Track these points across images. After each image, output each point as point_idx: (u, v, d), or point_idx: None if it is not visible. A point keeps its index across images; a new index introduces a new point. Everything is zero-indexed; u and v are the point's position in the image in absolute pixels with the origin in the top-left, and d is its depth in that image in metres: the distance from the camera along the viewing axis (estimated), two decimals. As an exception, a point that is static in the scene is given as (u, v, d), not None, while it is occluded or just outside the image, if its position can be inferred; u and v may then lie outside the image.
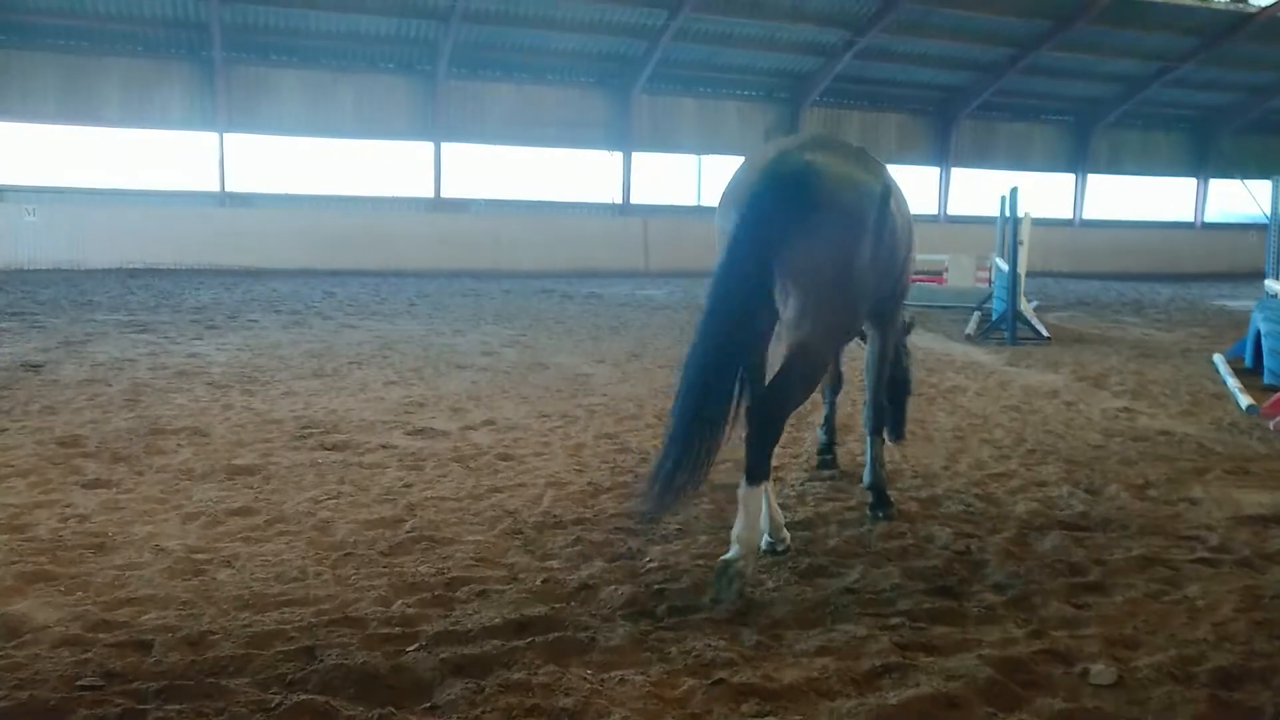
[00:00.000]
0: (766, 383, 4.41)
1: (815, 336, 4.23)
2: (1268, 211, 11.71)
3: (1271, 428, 7.63)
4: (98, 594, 3.95)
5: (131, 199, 22.09)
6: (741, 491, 4.19)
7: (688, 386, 4.15)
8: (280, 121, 23.01)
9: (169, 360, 9.75)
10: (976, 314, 14.95)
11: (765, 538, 4.57)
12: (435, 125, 24.06)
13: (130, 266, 20.74)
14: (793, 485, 5.77)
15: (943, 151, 29.18)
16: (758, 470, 4.20)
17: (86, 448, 6.25)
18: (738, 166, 4.72)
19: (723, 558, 4.13)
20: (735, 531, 4.19)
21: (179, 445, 6.42)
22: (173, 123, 22.27)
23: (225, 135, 22.57)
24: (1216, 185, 32.49)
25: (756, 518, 4.27)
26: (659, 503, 4.13)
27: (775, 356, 4.42)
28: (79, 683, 3.18)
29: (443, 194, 24.58)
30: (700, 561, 4.44)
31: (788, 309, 4.24)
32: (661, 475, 4.09)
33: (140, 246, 21.10)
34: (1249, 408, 8.35)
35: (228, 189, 22.80)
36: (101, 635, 3.55)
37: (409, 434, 6.94)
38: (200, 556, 4.40)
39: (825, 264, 4.20)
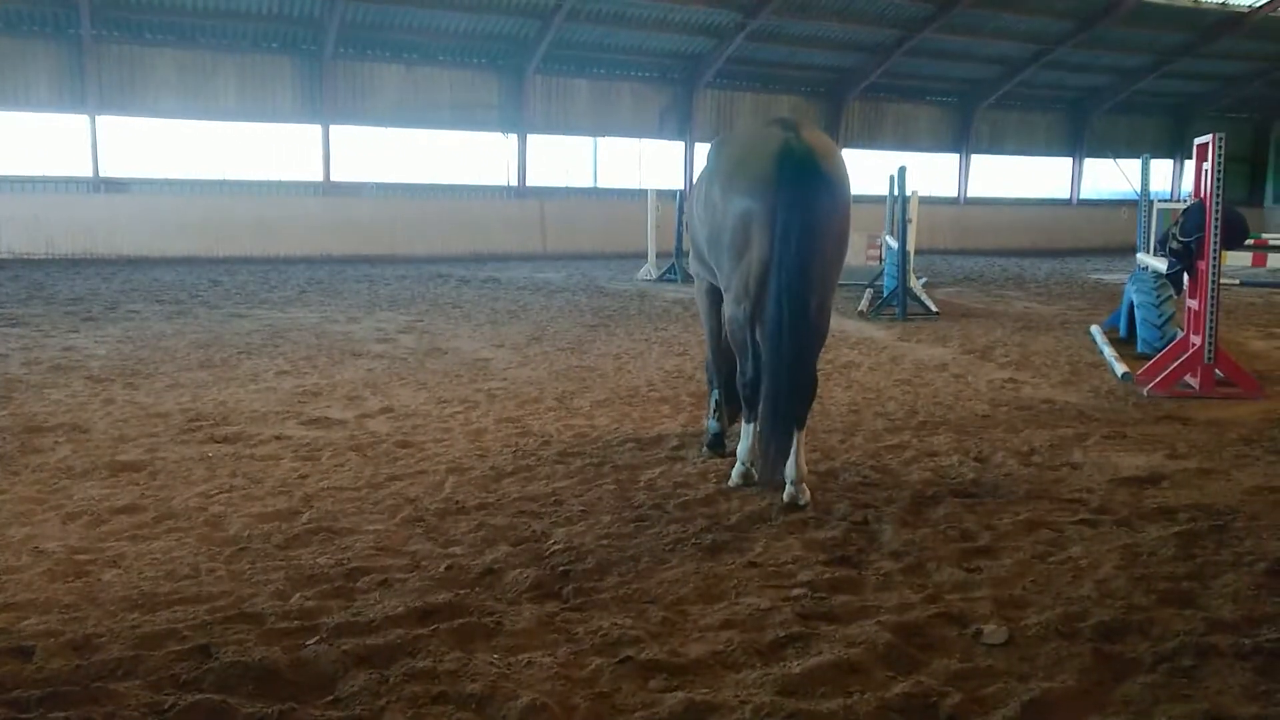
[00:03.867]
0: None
1: (830, 296, 5.22)
2: (1138, 188, 12.27)
3: (1145, 394, 8.02)
4: (-29, 601, 3.74)
5: (-4, 186, 20.92)
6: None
7: (777, 360, 4.84)
8: (157, 104, 22.03)
9: (43, 354, 9.29)
10: (869, 291, 15.30)
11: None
12: (323, 107, 23.37)
13: (-2, 257, 19.66)
14: (694, 464, 5.82)
15: (833, 133, 29.66)
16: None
17: (-46, 448, 5.91)
18: (728, 146, 5.39)
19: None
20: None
21: (56, 442, 6.12)
22: (39, 104, 21.08)
23: (97, 118, 21.49)
24: (1090, 164, 33.89)
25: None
26: (774, 470, 4.95)
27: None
28: (-47, 695, 3.02)
29: (333, 178, 23.92)
30: (605, 542, 4.45)
31: (814, 275, 4.92)
32: (773, 448, 4.87)
33: (8, 236, 20.00)
34: (1124, 375, 8.76)
35: (102, 174, 21.75)
36: (-23, 644, 3.36)
37: (304, 424, 6.76)
38: (83, 557, 4.22)
39: (844, 232, 5.12)
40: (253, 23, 22.17)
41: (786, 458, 4.97)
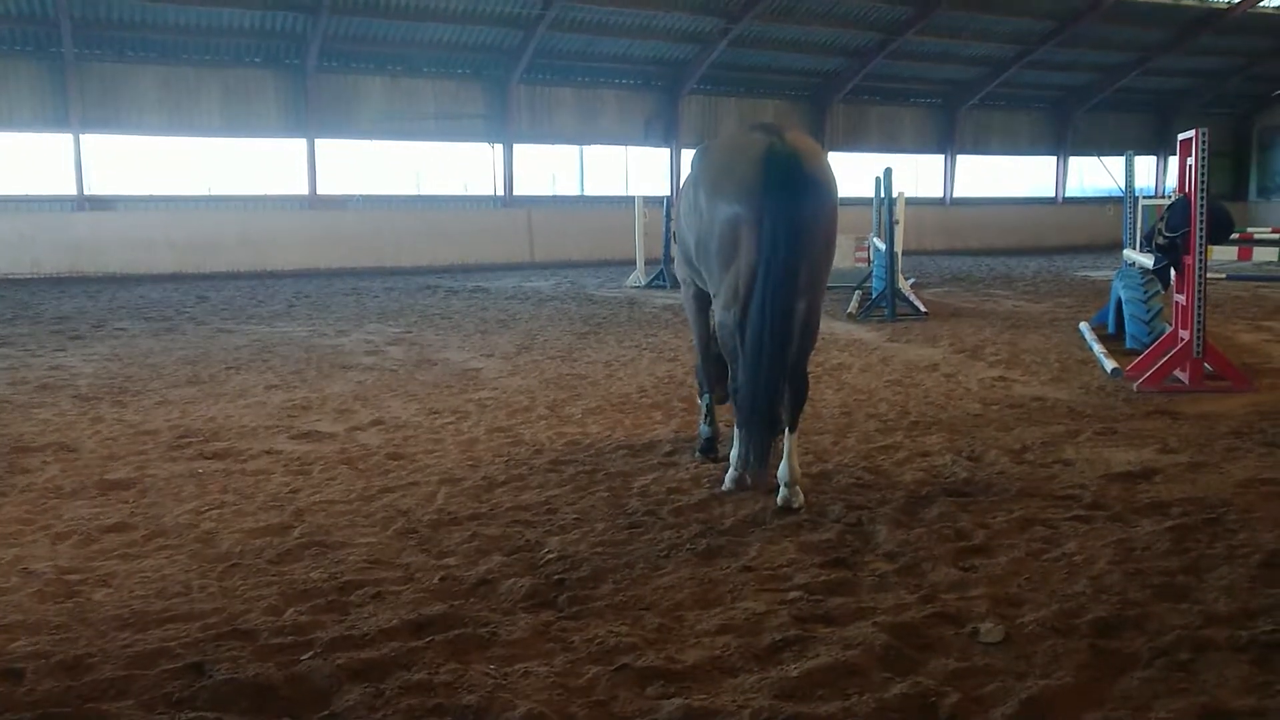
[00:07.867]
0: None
1: (820, 298, 5.19)
2: (1122, 185, 12.33)
3: (1135, 389, 8.04)
4: (-40, 624, 3.71)
5: (-20, 205, 20.82)
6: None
7: (757, 361, 4.84)
8: (141, 121, 21.95)
9: (30, 374, 9.23)
10: (857, 293, 15.32)
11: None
12: (308, 121, 23.32)
13: (-18, 277, 19.57)
14: (687, 469, 5.81)
15: (817, 136, 29.69)
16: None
17: (-59, 470, 5.86)
18: (713, 152, 5.40)
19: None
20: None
21: (45, 462, 6.08)
22: (22, 124, 21.01)
23: (81, 136, 21.41)
24: (1075, 162, 34.02)
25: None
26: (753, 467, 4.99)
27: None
28: (-57, 719, 2.99)
29: (319, 191, 23.85)
30: (599, 549, 4.43)
31: (802, 279, 4.91)
32: (756, 447, 4.89)
33: (-8, 255, 19.95)
34: (1114, 371, 8.78)
35: (87, 192, 21.66)
36: (-34, 667, 3.33)
37: (294, 438, 6.73)
38: (73, 577, 4.18)
39: (831, 235, 5.12)
40: (235, 38, 22.13)
41: (765, 459, 4.96)
